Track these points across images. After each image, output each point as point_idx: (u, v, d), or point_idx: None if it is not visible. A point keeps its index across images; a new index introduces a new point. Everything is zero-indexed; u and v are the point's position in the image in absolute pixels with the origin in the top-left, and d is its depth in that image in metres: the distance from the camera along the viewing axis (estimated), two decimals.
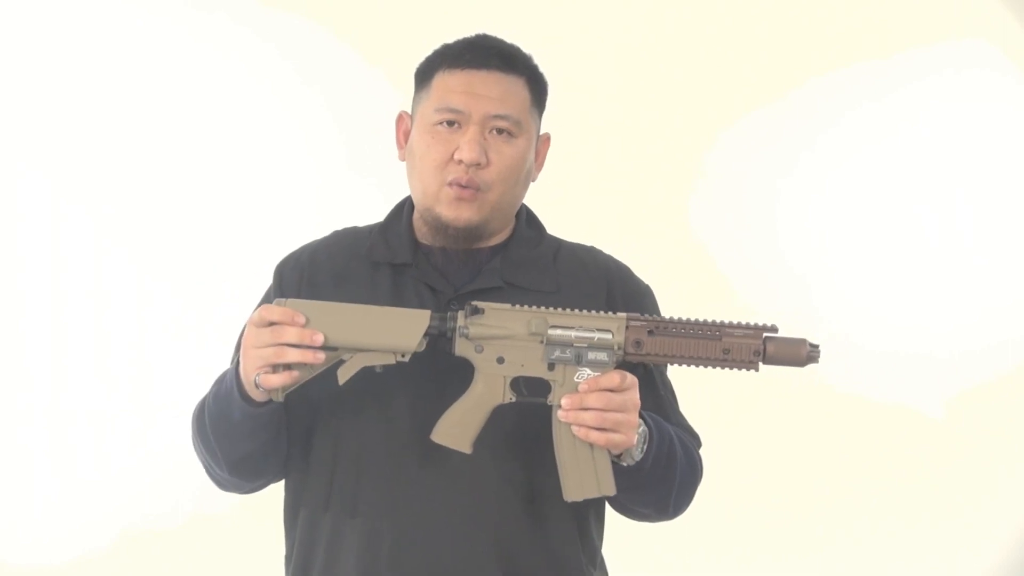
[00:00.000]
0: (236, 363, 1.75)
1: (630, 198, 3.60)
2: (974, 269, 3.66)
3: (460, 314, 1.70)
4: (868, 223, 3.66)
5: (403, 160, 1.87)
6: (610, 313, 1.71)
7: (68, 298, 3.50)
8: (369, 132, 2.87)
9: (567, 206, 2.66)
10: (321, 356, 1.67)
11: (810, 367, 1.74)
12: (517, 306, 1.70)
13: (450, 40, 1.86)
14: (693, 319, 1.71)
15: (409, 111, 1.88)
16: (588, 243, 1.96)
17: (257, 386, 1.68)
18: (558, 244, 1.92)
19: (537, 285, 1.83)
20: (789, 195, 3.67)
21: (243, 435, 1.75)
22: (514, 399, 1.71)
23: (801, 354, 1.69)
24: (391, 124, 1.90)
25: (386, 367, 1.69)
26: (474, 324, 1.69)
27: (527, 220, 1.92)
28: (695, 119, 3.62)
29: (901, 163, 3.66)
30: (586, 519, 1.85)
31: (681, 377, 1.92)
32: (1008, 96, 3.66)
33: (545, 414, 1.71)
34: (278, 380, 1.67)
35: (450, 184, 1.78)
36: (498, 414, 1.72)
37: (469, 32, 1.87)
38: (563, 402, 1.66)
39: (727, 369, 1.71)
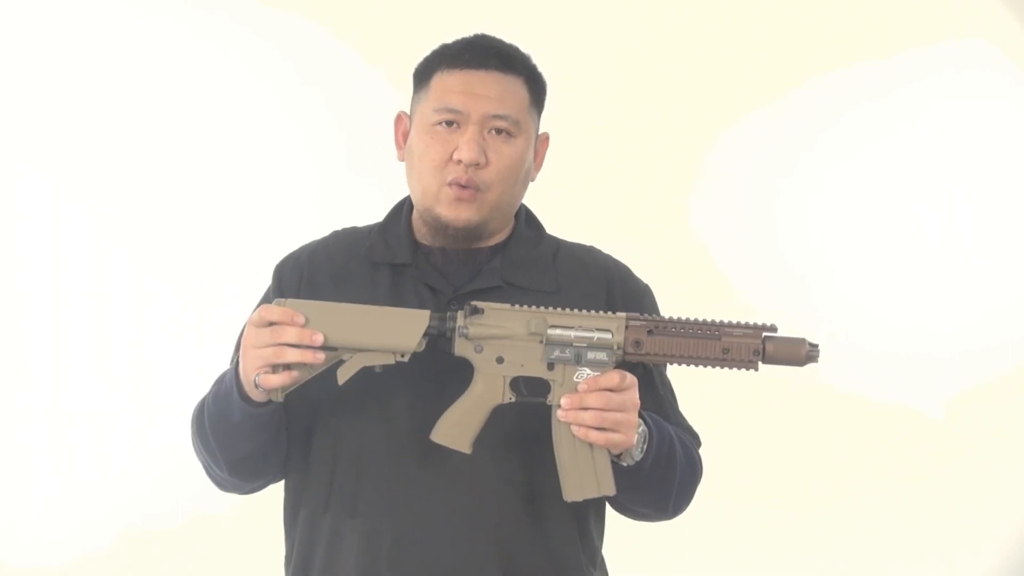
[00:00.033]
0: (235, 363, 1.75)
1: (630, 198, 3.60)
2: (974, 269, 3.66)
3: (459, 314, 1.70)
4: (868, 223, 3.66)
5: (402, 160, 1.87)
6: (609, 313, 1.71)
7: (68, 298, 3.50)
8: (369, 132, 2.87)
9: (567, 206, 2.66)
10: (321, 356, 1.67)
11: (810, 367, 1.74)
12: (516, 306, 1.70)
13: (450, 40, 1.86)
14: (692, 319, 1.71)
15: (408, 111, 1.88)
16: (588, 243, 1.96)
17: (257, 386, 1.68)
18: (557, 244, 1.92)
19: (537, 285, 1.83)
20: (789, 195, 3.67)
21: (243, 435, 1.75)
22: (514, 399, 1.71)
23: (800, 353, 1.69)
24: (391, 124, 1.90)
25: (386, 367, 1.69)
26: (473, 324, 1.69)
27: (526, 220, 1.92)
28: (695, 119, 3.62)
29: (901, 163, 3.66)
30: (586, 519, 1.85)
31: (681, 377, 1.92)
32: (1008, 96, 3.66)
33: (545, 414, 1.71)
34: (278, 380, 1.67)
35: (449, 184, 1.78)
36: (498, 414, 1.72)
37: (469, 32, 1.87)
38: (562, 402, 1.66)
39: (727, 369, 1.71)
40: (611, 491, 1.69)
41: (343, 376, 1.69)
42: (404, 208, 1.90)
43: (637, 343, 1.69)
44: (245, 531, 3.34)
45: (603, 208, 3.52)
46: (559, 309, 1.70)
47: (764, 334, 1.69)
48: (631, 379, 1.66)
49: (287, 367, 1.67)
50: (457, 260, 1.84)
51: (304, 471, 1.83)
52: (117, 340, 3.52)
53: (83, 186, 3.52)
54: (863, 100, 3.65)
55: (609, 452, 1.69)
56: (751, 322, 1.70)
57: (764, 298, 3.57)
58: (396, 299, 1.79)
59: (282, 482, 1.90)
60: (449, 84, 1.80)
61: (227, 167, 3.55)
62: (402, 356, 1.69)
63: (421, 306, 1.75)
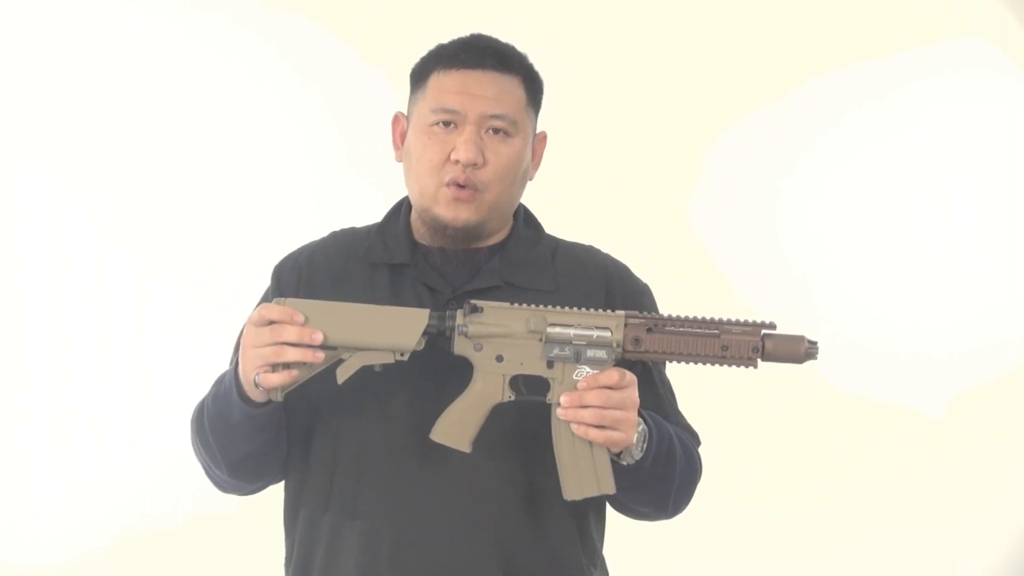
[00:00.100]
0: (235, 364, 1.75)
1: (630, 198, 3.60)
2: (974, 269, 3.66)
3: (459, 312, 1.70)
4: (868, 223, 3.66)
5: (400, 161, 1.87)
6: (608, 311, 1.71)
7: (68, 298, 3.50)
8: (369, 132, 2.87)
9: (567, 206, 2.67)
10: (320, 355, 1.67)
11: (810, 366, 1.74)
12: (516, 304, 1.70)
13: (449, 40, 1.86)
14: (691, 316, 1.71)
15: (405, 112, 1.88)
16: (587, 243, 1.96)
17: (256, 385, 1.68)
18: (556, 243, 1.92)
19: (536, 284, 1.83)
20: (789, 195, 3.67)
21: (242, 436, 1.75)
22: (513, 397, 1.71)
23: (799, 350, 1.69)
24: (391, 124, 1.91)
25: (385, 366, 1.69)
26: (473, 322, 1.69)
27: (525, 219, 1.92)
28: (695, 119, 3.62)
29: (901, 163, 3.66)
30: (586, 518, 1.84)
31: (680, 376, 1.92)
32: (1008, 96, 3.66)
33: (544, 413, 1.71)
34: (277, 379, 1.66)
35: (447, 184, 1.78)
36: (497, 413, 1.72)
37: (469, 33, 1.87)
38: (562, 400, 1.66)
39: (726, 366, 1.71)
40: (611, 489, 1.69)
41: (342, 375, 1.69)
42: (403, 208, 1.90)
43: (636, 341, 1.69)
44: (245, 531, 3.34)
45: (603, 208, 3.52)
46: (558, 307, 1.70)
47: (763, 331, 1.69)
48: (631, 377, 1.66)
49: (287, 366, 1.67)
50: (456, 260, 1.84)
51: (304, 471, 1.83)
52: (117, 340, 3.52)
53: (83, 186, 3.52)
54: (863, 100, 3.65)
55: (609, 451, 1.69)
56: (750, 319, 1.71)
57: (764, 298, 3.57)
58: (395, 299, 1.79)
59: (282, 483, 1.90)
60: (446, 84, 1.80)
61: (227, 167, 3.55)
62: (402, 355, 1.69)
63: (420, 306, 1.75)
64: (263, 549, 2.41)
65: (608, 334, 1.69)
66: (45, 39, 3.49)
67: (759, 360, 1.69)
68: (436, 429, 1.71)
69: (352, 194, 3.45)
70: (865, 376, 3.63)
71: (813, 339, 1.70)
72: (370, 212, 1.98)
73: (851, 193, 3.66)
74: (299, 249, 1.93)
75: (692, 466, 1.83)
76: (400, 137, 1.88)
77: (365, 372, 1.69)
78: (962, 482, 3.64)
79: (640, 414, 1.69)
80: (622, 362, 1.70)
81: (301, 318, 1.66)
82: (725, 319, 1.70)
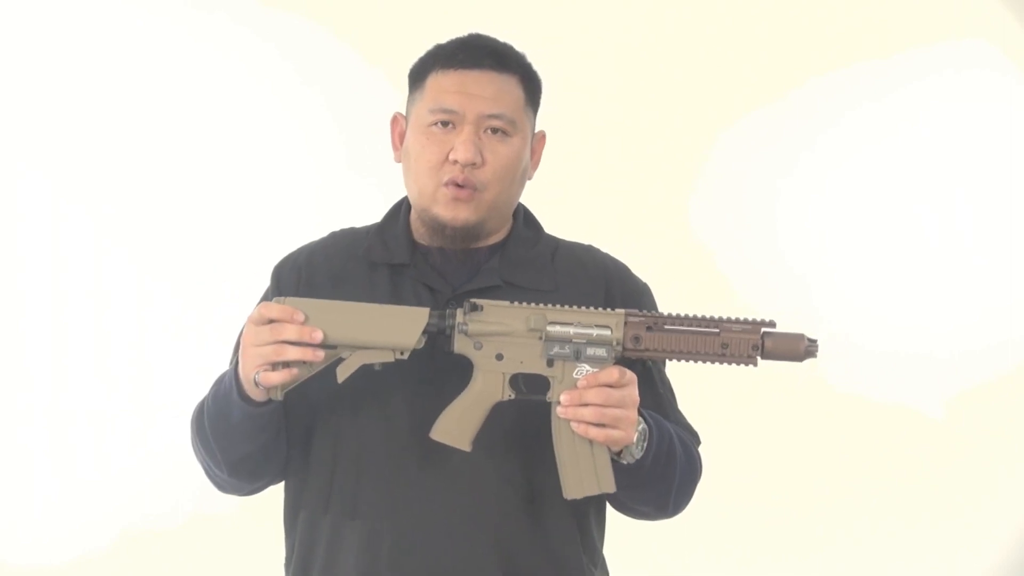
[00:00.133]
0: (235, 364, 1.75)
1: (630, 198, 3.60)
2: (974, 269, 3.66)
3: (459, 311, 1.70)
4: (868, 223, 3.66)
5: (399, 161, 1.87)
6: (608, 309, 1.71)
7: (68, 298, 3.50)
8: (369, 132, 2.86)
9: (567, 206, 2.67)
10: (320, 354, 1.67)
11: (810, 366, 1.74)
12: (516, 303, 1.70)
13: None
14: (691, 314, 1.71)
15: (404, 112, 1.88)
16: (587, 243, 1.96)
17: (257, 384, 1.68)
18: (556, 243, 1.92)
19: (535, 284, 1.83)
20: (789, 195, 3.67)
21: (242, 436, 1.75)
22: (513, 396, 1.71)
23: (799, 349, 1.69)
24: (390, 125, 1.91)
25: (385, 365, 1.69)
26: (473, 321, 1.69)
27: (524, 219, 1.92)
28: (695, 119, 3.62)
29: (901, 163, 3.66)
30: (586, 518, 1.84)
31: (680, 376, 1.91)
32: (1008, 96, 3.66)
33: (544, 412, 1.71)
34: (277, 378, 1.66)
35: (446, 184, 1.78)
36: (497, 412, 1.72)
37: (468, 32, 1.87)
38: (562, 398, 1.66)
39: (726, 364, 1.71)
40: (611, 488, 1.69)
41: (342, 374, 1.69)
42: (402, 208, 1.90)
43: (636, 339, 1.69)
44: (245, 531, 3.34)
45: (603, 208, 3.52)
46: (558, 306, 1.70)
47: (763, 329, 1.69)
48: (630, 375, 1.66)
49: (287, 365, 1.67)
50: (455, 260, 1.84)
51: (304, 472, 1.83)
52: (117, 340, 3.52)
53: (83, 186, 3.52)
54: (863, 100, 3.65)
55: (609, 449, 1.69)
56: (750, 318, 1.70)
57: (764, 298, 3.57)
58: (395, 299, 1.79)
59: (282, 483, 1.90)
60: (444, 84, 1.80)
61: (227, 167, 3.55)
62: (401, 354, 1.69)
63: (420, 306, 1.75)
64: (263, 549, 2.41)
65: (608, 332, 1.68)
66: (45, 39, 3.49)
67: (759, 358, 1.69)
68: (436, 428, 1.71)
69: (352, 194, 3.45)
70: (865, 376, 3.64)
71: (813, 337, 1.70)
72: (370, 212, 1.98)
73: (851, 193, 3.66)
74: (298, 249, 1.93)
75: (692, 465, 1.82)
76: (399, 137, 1.88)
77: (365, 371, 1.69)
78: (962, 482, 3.64)
79: (640, 413, 1.69)
80: (622, 360, 1.70)
81: (301, 316, 1.66)
82: (725, 317, 1.70)
